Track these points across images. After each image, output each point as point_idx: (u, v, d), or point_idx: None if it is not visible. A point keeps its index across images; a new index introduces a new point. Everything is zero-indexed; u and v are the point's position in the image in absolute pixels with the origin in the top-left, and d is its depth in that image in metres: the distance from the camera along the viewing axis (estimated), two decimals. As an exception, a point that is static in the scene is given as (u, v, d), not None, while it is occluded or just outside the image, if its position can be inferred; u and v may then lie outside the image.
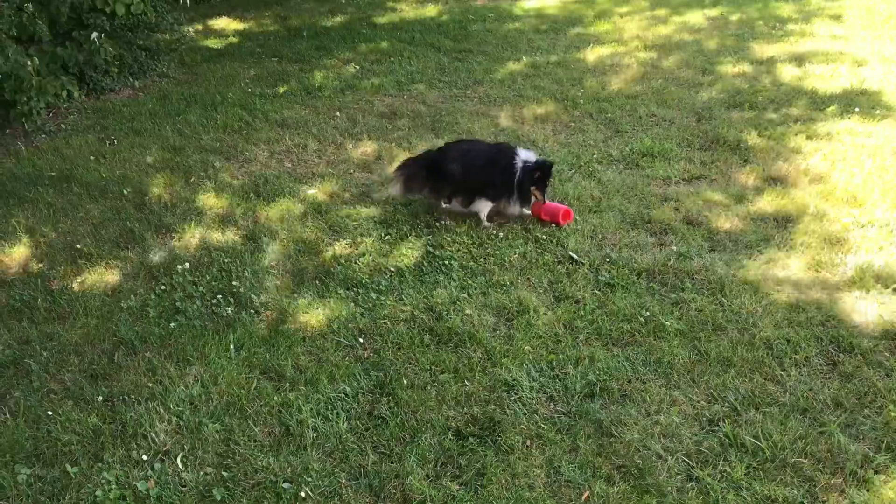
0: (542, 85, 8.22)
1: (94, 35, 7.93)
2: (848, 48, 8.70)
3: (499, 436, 3.67)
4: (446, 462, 3.57)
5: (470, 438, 3.67)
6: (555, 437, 3.67)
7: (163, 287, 4.92)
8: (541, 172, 5.36)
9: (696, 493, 3.35)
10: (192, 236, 5.48)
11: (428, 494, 3.38)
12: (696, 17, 10.38)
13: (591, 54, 9.20)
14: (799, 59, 8.46)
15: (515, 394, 3.94)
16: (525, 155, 5.42)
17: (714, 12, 10.46)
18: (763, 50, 8.92)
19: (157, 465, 3.58)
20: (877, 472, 3.38)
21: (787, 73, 8.09)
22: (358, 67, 9.18)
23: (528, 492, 3.39)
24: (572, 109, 7.51)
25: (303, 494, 3.40)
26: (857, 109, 6.96)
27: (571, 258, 5.03)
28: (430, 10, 11.85)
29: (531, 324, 4.46)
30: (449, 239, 5.31)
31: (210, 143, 7.10)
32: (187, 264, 5.11)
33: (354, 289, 4.84)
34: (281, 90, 8.48)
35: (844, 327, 4.26)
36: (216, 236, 5.49)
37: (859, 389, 3.84)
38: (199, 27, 11.66)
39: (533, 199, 5.49)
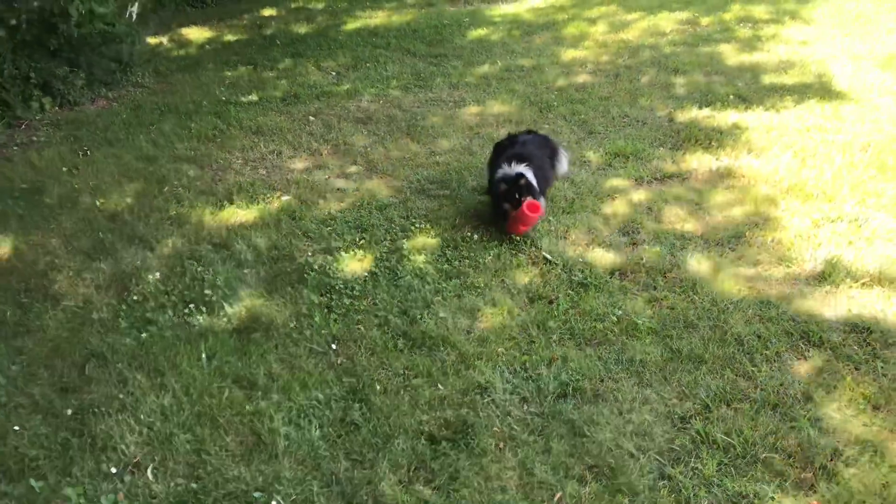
0: (517, 88, 8.23)
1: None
2: (818, 46, 8.77)
3: (472, 439, 3.67)
4: (419, 467, 3.56)
5: (443, 442, 3.66)
6: (528, 438, 3.67)
7: (134, 297, 4.88)
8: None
9: (668, 491, 3.37)
10: (165, 245, 5.45)
11: (400, 500, 3.37)
12: (666, 19, 10.43)
13: (565, 57, 9.23)
14: (769, 58, 8.52)
15: (489, 396, 3.94)
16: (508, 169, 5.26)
17: (685, 15, 10.51)
18: (734, 49, 8.97)
19: (127, 478, 3.55)
20: (846, 466, 3.41)
21: (758, 71, 8.15)
22: (333, 73, 9.17)
23: (500, 494, 3.39)
24: (546, 112, 7.53)
25: (274, 503, 3.38)
26: (826, 106, 7.01)
27: (545, 259, 5.04)
28: (406, 16, 11.85)
29: (505, 325, 4.46)
30: (423, 242, 5.30)
31: (184, 152, 7.06)
32: (158, 274, 5.07)
33: (328, 294, 4.82)
34: (255, 97, 8.45)
35: (814, 322, 4.29)
36: (189, 245, 5.45)
37: (829, 384, 3.87)
38: (173, 36, 11.60)
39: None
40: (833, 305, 4.42)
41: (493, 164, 5.54)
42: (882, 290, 4.50)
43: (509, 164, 5.26)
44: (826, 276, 4.65)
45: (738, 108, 7.20)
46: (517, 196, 5.10)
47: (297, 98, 8.35)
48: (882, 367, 3.93)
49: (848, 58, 8.26)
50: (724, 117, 7.01)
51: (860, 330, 4.21)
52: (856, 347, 4.09)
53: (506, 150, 5.50)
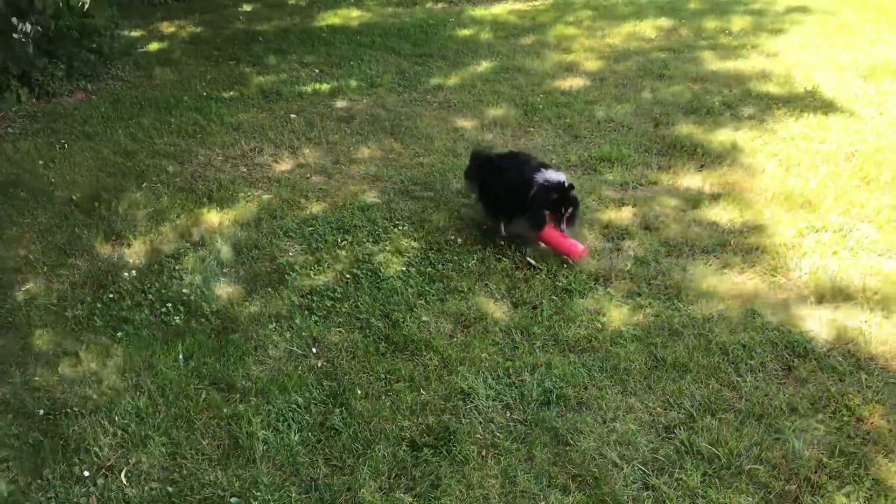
0: (502, 90, 8.19)
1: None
2: (802, 56, 8.80)
3: (454, 446, 3.61)
4: (400, 474, 3.50)
5: (424, 449, 3.61)
6: (510, 446, 3.62)
7: (110, 295, 4.79)
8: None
9: (653, 501, 3.33)
10: (143, 242, 5.34)
11: (380, 507, 3.31)
12: (650, 26, 10.43)
13: (550, 60, 9.20)
14: (754, 67, 8.54)
15: (471, 402, 3.89)
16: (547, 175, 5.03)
17: (668, 23, 10.52)
18: (718, 58, 8.99)
19: (100, 481, 3.47)
20: (830, 478, 3.38)
21: (743, 80, 8.16)
22: (317, 71, 9.08)
23: (482, 503, 3.34)
24: (531, 114, 7.49)
25: (251, 509, 3.31)
26: (811, 115, 7.03)
27: (529, 264, 4.99)
28: (390, 14, 11.78)
29: (488, 330, 4.41)
30: (406, 244, 5.24)
31: (163, 148, 6.95)
32: (135, 272, 4.97)
33: (309, 296, 4.75)
34: (237, 94, 8.34)
35: (799, 332, 4.27)
36: (167, 242, 5.35)
37: (813, 394, 3.85)
38: (154, 30, 11.45)
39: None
40: (818, 316, 4.40)
41: (477, 176, 5.45)
42: (866, 300, 4.49)
43: (542, 170, 5.00)
44: (810, 286, 4.64)
45: (724, 116, 7.19)
46: (563, 210, 4.91)
47: (280, 95, 8.25)
48: (866, 379, 3.92)
49: (832, 68, 8.29)
50: (710, 125, 7.00)
51: (844, 341, 4.19)
52: (840, 359, 4.07)
53: (493, 164, 5.41)
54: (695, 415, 3.75)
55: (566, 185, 4.90)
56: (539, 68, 8.91)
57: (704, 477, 3.42)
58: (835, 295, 4.56)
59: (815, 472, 3.42)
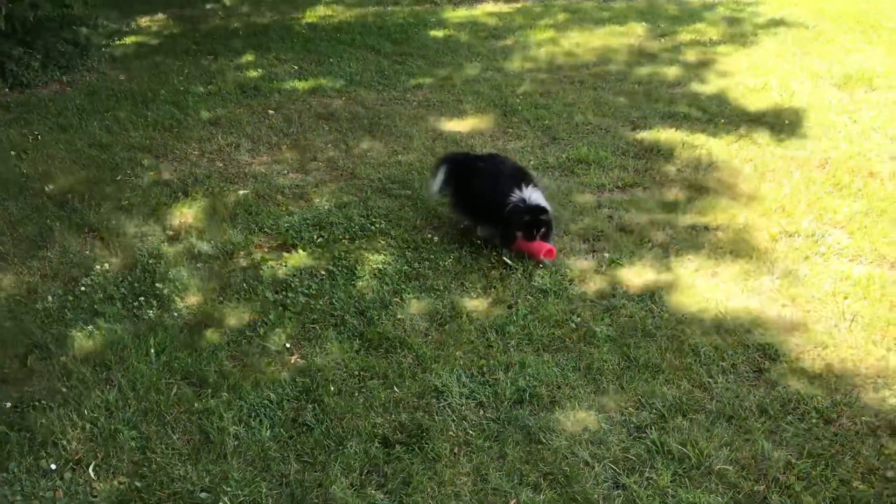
0: (482, 90, 8.20)
1: None
2: (778, 64, 8.89)
3: (426, 443, 3.61)
4: (371, 470, 3.50)
5: (397, 446, 3.60)
6: (483, 444, 3.63)
7: (82, 288, 4.73)
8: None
9: (623, 500, 3.34)
10: (116, 236, 5.29)
11: (351, 504, 3.30)
12: (629, 30, 10.50)
13: (529, 62, 9.23)
14: (730, 73, 8.62)
15: (445, 400, 3.89)
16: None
17: (646, 29, 10.59)
18: (696, 64, 9.06)
19: (67, 475, 3.43)
20: (798, 479, 3.42)
21: (719, 85, 8.23)
22: (296, 67, 9.03)
23: (454, 500, 3.34)
24: (510, 116, 7.51)
25: (221, 504, 3.28)
26: (786, 122, 7.11)
27: (505, 263, 5.00)
28: (370, 13, 11.76)
29: (463, 329, 4.41)
30: (383, 242, 5.23)
31: (139, 141, 6.89)
32: (108, 265, 4.92)
33: (283, 292, 4.72)
34: (214, 88, 8.28)
35: (770, 335, 4.32)
36: (141, 236, 5.30)
37: (783, 396, 3.89)
38: (132, 23, 11.34)
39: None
40: (789, 319, 4.45)
41: (453, 178, 5.44)
42: (836, 305, 4.55)
43: (521, 188, 4.99)
44: (782, 290, 4.69)
45: (700, 121, 7.26)
46: (534, 231, 4.93)
47: (258, 91, 8.21)
48: (835, 382, 3.97)
49: (807, 76, 8.39)
50: (687, 129, 7.05)
51: (814, 344, 4.24)
52: (809, 362, 4.12)
53: (468, 166, 5.41)
54: (666, 415, 3.77)
55: (540, 207, 4.93)
56: (518, 69, 8.93)
57: (675, 476, 3.44)
58: (807, 299, 4.61)
59: (784, 473, 3.45)
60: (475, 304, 4.63)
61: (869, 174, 6.05)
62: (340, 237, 5.31)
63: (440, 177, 5.44)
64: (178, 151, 6.69)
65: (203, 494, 3.33)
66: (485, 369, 4.09)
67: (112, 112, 7.56)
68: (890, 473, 3.44)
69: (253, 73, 8.80)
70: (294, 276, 4.88)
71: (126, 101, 7.86)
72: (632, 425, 3.74)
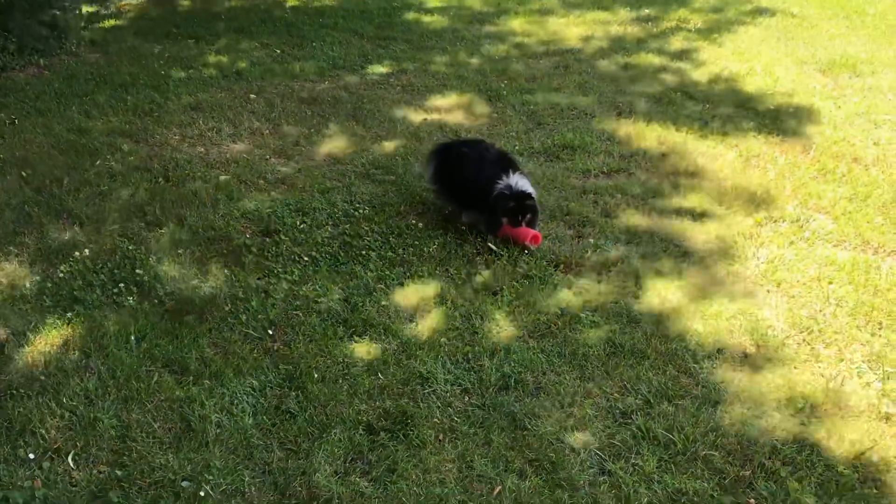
0: (466, 75, 8.14)
1: None
2: (763, 49, 8.89)
3: (411, 430, 3.58)
4: (356, 458, 3.46)
5: (381, 433, 3.57)
6: (468, 430, 3.60)
7: (61, 275, 4.65)
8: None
9: (609, 486, 3.33)
10: (96, 221, 5.21)
11: (335, 492, 3.27)
12: (615, 16, 10.45)
13: (514, 46, 9.17)
14: (715, 58, 8.60)
15: (429, 387, 3.86)
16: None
17: (633, 14, 10.55)
18: (681, 48, 9.04)
19: (46, 464, 3.36)
20: (784, 464, 3.42)
21: (704, 70, 8.22)
22: (278, 51, 8.93)
23: (438, 487, 3.32)
24: (495, 101, 7.45)
25: (203, 493, 3.24)
26: (770, 107, 7.11)
27: (490, 249, 4.96)
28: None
29: (448, 315, 4.37)
30: (367, 228, 5.18)
31: (119, 125, 6.78)
32: (87, 251, 4.84)
33: (266, 278, 4.67)
34: (195, 73, 8.17)
35: (756, 320, 4.31)
36: (121, 222, 5.22)
37: (769, 382, 3.88)
38: (111, 5, 11.16)
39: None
40: (774, 304, 4.45)
41: (438, 163, 5.41)
42: (821, 290, 4.55)
43: (506, 174, 4.98)
44: (767, 276, 4.69)
45: (685, 107, 7.24)
46: (520, 217, 4.91)
47: (239, 75, 8.11)
48: (820, 367, 3.97)
49: (792, 62, 8.39)
50: (672, 115, 7.03)
51: (799, 329, 4.24)
52: (795, 346, 4.12)
53: (461, 153, 5.37)
54: (651, 401, 3.76)
55: (525, 193, 4.91)
56: (503, 54, 8.87)
57: (660, 462, 3.43)
58: (791, 284, 4.61)
59: (770, 458, 3.45)
60: (460, 290, 4.59)
61: (853, 159, 6.07)
62: (324, 223, 5.25)
63: (432, 167, 5.42)
64: (159, 136, 6.60)
65: (185, 483, 3.28)
66: (470, 356, 4.06)
67: (91, 96, 7.44)
68: (875, 458, 3.45)
69: (234, 57, 8.69)
70: (277, 262, 4.82)
71: (105, 86, 7.73)
72: (617, 411, 3.72)
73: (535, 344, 4.16)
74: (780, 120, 6.86)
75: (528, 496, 3.28)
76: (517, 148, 6.38)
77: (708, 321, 4.31)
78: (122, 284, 4.56)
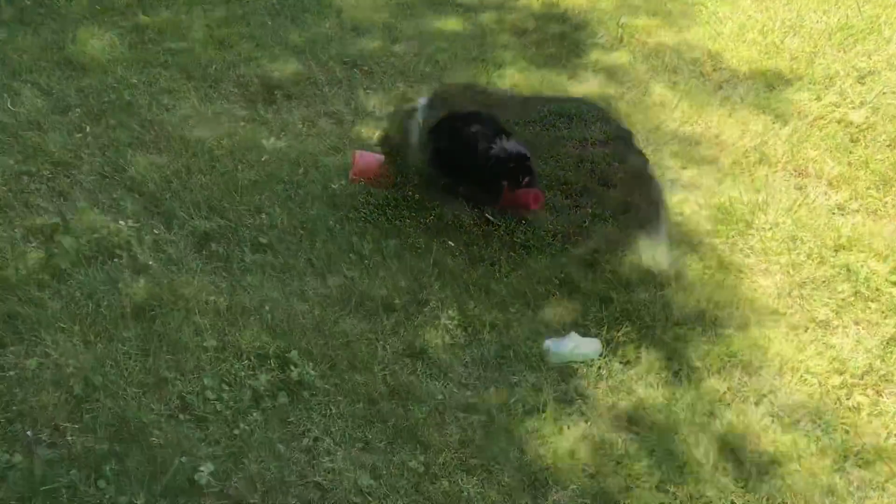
0: (459, 41, 8.00)
1: None
2: (763, 14, 8.77)
3: (411, 404, 3.58)
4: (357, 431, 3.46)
5: (381, 403, 3.57)
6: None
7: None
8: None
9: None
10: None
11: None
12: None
13: (510, 12, 9.04)
14: (715, 22, 8.48)
15: (429, 359, 3.85)
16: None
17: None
18: (679, 11, 8.91)
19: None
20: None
21: (702, 34, 8.10)
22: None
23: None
24: (492, 70, 7.35)
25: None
26: (767, 75, 7.03)
27: (487, 220, 4.92)
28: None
29: (446, 286, 4.35)
30: (362, 200, 5.12)
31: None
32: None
33: (261, 253, 4.62)
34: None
35: (755, 289, 4.32)
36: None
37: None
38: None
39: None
40: (774, 274, 4.44)
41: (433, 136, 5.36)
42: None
43: (499, 139, 4.96)
44: (768, 245, 4.67)
45: (682, 75, 7.15)
46: (521, 178, 4.89)
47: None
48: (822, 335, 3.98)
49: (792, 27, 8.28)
50: (671, 79, 6.96)
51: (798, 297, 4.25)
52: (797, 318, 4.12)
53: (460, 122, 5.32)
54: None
55: (522, 154, 4.88)
56: (498, 21, 8.74)
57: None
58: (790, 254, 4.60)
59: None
60: (457, 261, 4.57)
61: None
62: (319, 195, 5.19)
63: (431, 150, 5.39)
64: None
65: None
66: (469, 328, 4.05)
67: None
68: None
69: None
70: (271, 234, 4.77)
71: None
72: (618, 379, 3.73)
73: (534, 315, 4.15)
74: (776, 86, 6.79)
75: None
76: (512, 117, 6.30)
77: (709, 289, 4.31)
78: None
